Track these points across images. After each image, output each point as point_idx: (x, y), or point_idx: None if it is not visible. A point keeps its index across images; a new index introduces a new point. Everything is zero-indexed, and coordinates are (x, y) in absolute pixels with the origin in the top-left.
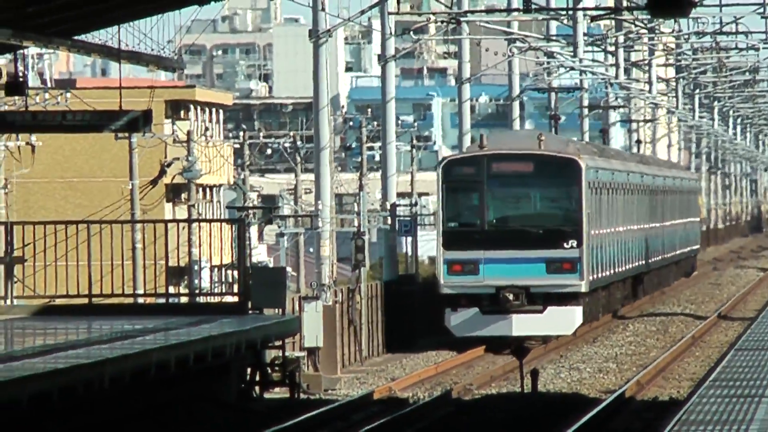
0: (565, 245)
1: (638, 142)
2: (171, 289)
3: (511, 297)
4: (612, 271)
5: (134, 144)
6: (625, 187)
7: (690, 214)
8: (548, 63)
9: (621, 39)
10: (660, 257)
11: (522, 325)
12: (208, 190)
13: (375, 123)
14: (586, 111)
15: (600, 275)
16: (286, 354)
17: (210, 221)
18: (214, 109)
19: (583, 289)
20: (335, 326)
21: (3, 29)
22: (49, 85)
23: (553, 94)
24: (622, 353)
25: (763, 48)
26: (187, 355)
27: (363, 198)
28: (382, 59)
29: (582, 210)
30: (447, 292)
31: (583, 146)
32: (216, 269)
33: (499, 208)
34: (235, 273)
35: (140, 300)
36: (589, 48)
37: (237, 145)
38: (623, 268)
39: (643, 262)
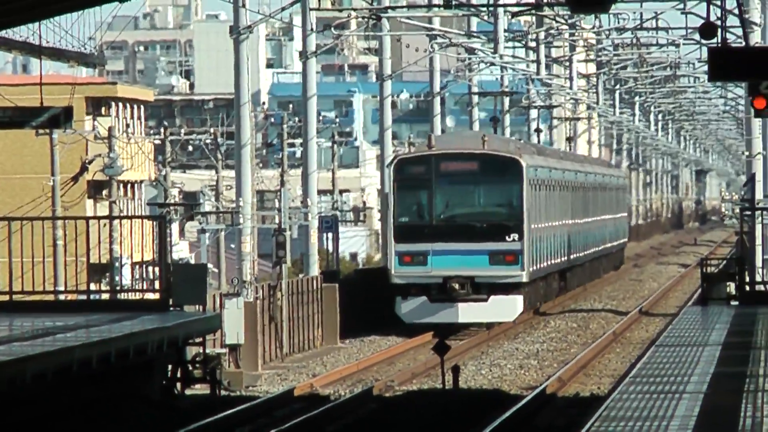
0: (507, 238)
1: (537, 130)
2: (92, 286)
3: (457, 286)
4: (550, 263)
5: (55, 140)
6: (561, 184)
7: (619, 209)
8: (469, 59)
9: (542, 35)
10: (593, 250)
11: (467, 312)
12: (129, 186)
13: (296, 119)
14: (507, 107)
15: (539, 266)
16: (208, 351)
17: (131, 218)
18: (135, 106)
19: (524, 279)
20: (256, 323)
21: None
22: None
23: (490, 95)
24: (543, 349)
25: (684, 44)
26: (108, 352)
27: (284, 194)
28: (303, 55)
29: (523, 205)
30: (398, 281)
31: (523, 146)
32: (137, 266)
33: (447, 204)
34: (157, 270)
35: (62, 297)
36: (510, 44)
37: (158, 142)
38: (560, 260)
39: (579, 254)
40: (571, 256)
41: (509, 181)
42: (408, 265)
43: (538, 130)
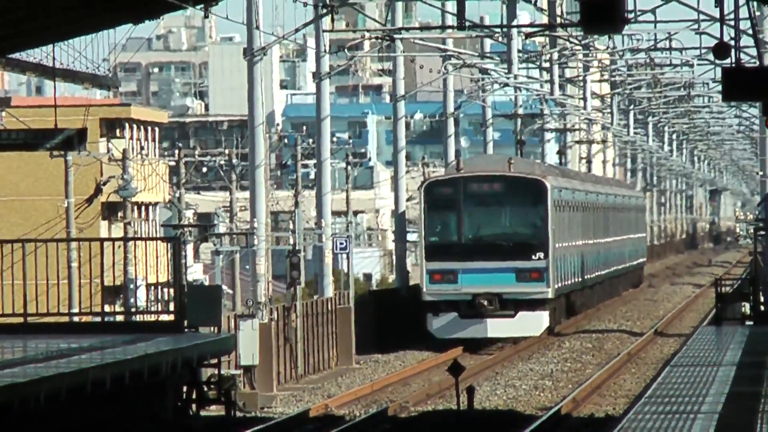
0: (533, 257)
1: (562, 153)
2: (107, 308)
3: (485, 303)
4: (573, 280)
5: (70, 162)
6: (584, 205)
7: (638, 229)
8: (483, 80)
9: (555, 55)
10: (613, 268)
11: (495, 328)
12: (143, 208)
13: (310, 140)
14: (520, 127)
15: (563, 283)
16: (222, 372)
17: (146, 240)
18: (149, 127)
19: (550, 295)
20: (271, 344)
21: None
22: None
23: (511, 118)
24: (557, 370)
25: (698, 64)
26: (122, 373)
27: (298, 216)
28: (317, 77)
29: (548, 225)
30: (429, 299)
31: (547, 168)
32: (152, 287)
33: (475, 224)
34: (171, 291)
35: (76, 318)
36: (524, 65)
37: (172, 163)
38: (583, 278)
39: (600, 272)
40: (593, 274)
41: (535, 202)
42: (438, 283)
43: (560, 153)
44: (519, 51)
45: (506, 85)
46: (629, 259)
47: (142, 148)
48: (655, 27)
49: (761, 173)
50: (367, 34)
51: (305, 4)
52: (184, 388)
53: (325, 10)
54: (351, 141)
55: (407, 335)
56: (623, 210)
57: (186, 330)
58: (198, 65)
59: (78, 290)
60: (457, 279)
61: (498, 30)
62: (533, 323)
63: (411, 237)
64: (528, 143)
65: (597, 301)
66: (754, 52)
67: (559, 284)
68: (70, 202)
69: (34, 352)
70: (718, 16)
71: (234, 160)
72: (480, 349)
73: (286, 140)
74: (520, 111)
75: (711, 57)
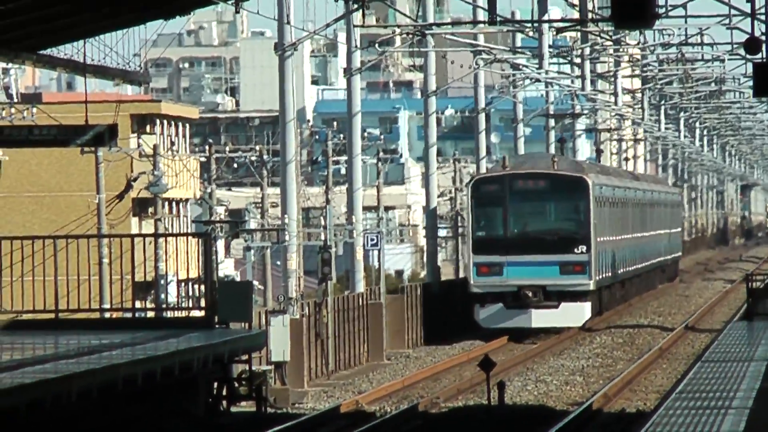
0: (576, 250)
1: (599, 151)
2: (138, 304)
3: (530, 294)
4: (613, 273)
5: (100, 158)
6: (623, 201)
7: (674, 225)
8: (514, 75)
9: (587, 51)
10: (650, 262)
11: (539, 318)
12: (174, 204)
13: (341, 136)
14: (552, 123)
15: (604, 276)
16: (253, 368)
17: (176, 236)
18: (180, 123)
19: (592, 287)
20: (302, 340)
21: None
22: (15, 99)
23: (559, 117)
24: (588, 365)
25: (729, 59)
26: (154, 369)
27: (329, 211)
28: (348, 72)
29: (590, 220)
30: (476, 290)
31: (589, 166)
32: (183, 283)
33: (520, 219)
34: (202, 287)
35: (107, 315)
36: (555, 60)
37: (203, 159)
38: (622, 270)
39: (638, 266)
40: (632, 267)
41: (577, 198)
42: (485, 276)
43: (598, 151)
44: (550, 46)
45: (537, 80)
46: (665, 253)
47: (172, 144)
48: (686, 22)
49: None
50: (398, 30)
51: (336, 0)
52: (215, 385)
53: (355, 6)
54: (382, 137)
55: (454, 327)
56: (660, 205)
57: (217, 326)
58: (229, 61)
59: (109, 286)
60: (503, 271)
61: (529, 25)
62: (576, 314)
63: (441, 233)
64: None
65: (635, 293)
66: None
67: (600, 277)
68: (101, 198)
69: (65, 348)
70: (749, 11)
71: (265, 156)
72: (525, 339)
73: (317, 136)
74: (551, 107)
75: (742, 52)
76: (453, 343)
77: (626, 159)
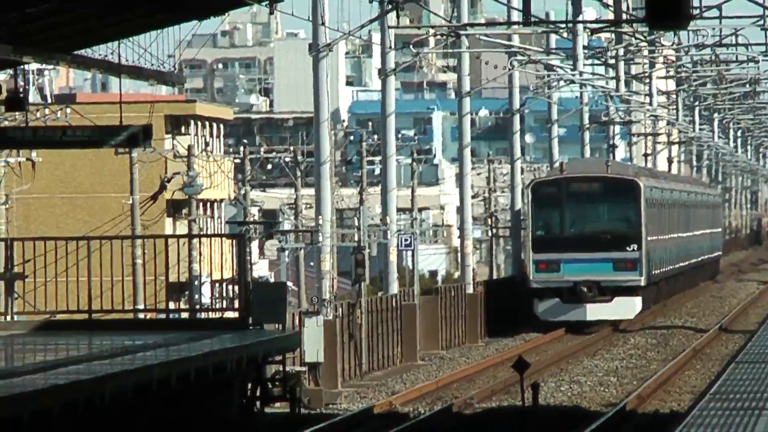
0: (628, 248)
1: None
2: (171, 305)
3: (585, 290)
4: (662, 270)
5: (134, 159)
6: (670, 202)
7: (715, 225)
8: (548, 76)
9: (621, 52)
10: (694, 260)
11: (594, 311)
12: (208, 205)
13: (375, 137)
14: (587, 124)
15: (654, 272)
16: (287, 369)
17: (210, 236)
18: (214, 124)
19: (643, 283)
20: (336, 341)
21: (3, 45)
22: (49, 100)
23: (605, 125)
24: (622, 366)
25: (763, 60)
26: (188, 370)
27: (363, 212)
28: (383, 73)
29: (641, 220)
30: (535, 286)
31: (640, 169)
32: (216, 284)
33: (576, 219)
34: (236, 288)
35: (140, 315)
36: (589, 61)
37: (237, 160)
38: (669, 267)
39: (683, 263)
40: (678, 264)
41: (629, 199)
42: (543, 272)
43: (646, 155)
44: (584, 47)
45: (572, 81)
46: (707, 252)
47: (207, 144)
48: (720, 23)
49: None
50: (432, 30)
51: (371, 0)
52: (249, 385)
53: (390, 6)
54: (416, 137)
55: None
56: (703, 207)
57: (251, 327)
58: (263, 61)
59: (143, 287)
60: (560, 268)
61: (563, 26)
62: (628, 308)
63: (476, 233)
64: (593, 140)
65: (680, 289)
66: None
67: (651, 273)
68: (135, 198)
69: (99, 349)
70: None
71: (299, 157)
72: (582, 331)
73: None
74: (586, 109)
75: None
76: (514, 335)
77: (646, 155)
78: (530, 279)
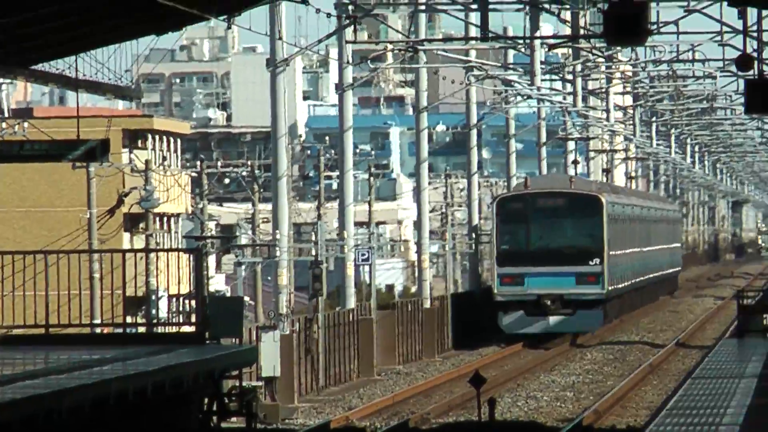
0: (590, 262)
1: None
2: (129, 319)
3: (549, 302)
4: (624, 284)
5: (92, 173)
6: (631, 218)
7: (674, 240)
8: (506, 91)
9: (578, 67)
10: (655, 274)
11: (557, 324)
12: (166, 219)
13: (333, 152)
14: (544, 139)
15: (616, 286)
16: (244, 384)
17: (168, 251)
18: (172, 138)
19: (604, 296)
20: (293, 356)
21: None
22: (6, 114)
23: (571, 140)
24: (579, 381)
25: (720, 76)
26: (145, 385)
27: (321, 227)
28: (340, 88)
29: (604, 235)
30: (500, 299)
31: (602, 185)
32: (174, 299)
33: (540, 234)
34: (193, 302)
35: (98, 330)
36: (547, 76)
37: (195, 175)
38: (631, 282)
39: (643, 277)
40: (639, 279)
41: (592, 215)
42: (508, 285)
43: (607, 171)
44: (542, 62)
45: (529, 96)
46: (667, 266)
47: (164, 159)
48: (677, 39)
49: None
50: (389, 46)
51: (328, 15)
52: (206, 400)
53: (347, 21)
54: (373, 152)
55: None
56: (663, 222)
57: (208, 342)
58: (221, 76)
59: (100, 301)
60: (524, 282)
61: (521, 41)
62: (590, 320)
63: (434, 248)
64: (550, 155)
65: (641, 303)
66: None
67: (612, 287)
68: (92, 213)
69: (56, 363)
70: (741, 27)
71: (256, 172)
72: (542, 344)
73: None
74: (543, 124)
75: (734, 69)
76: (479, 347)
77: (606, 170)
78: (495, 292)
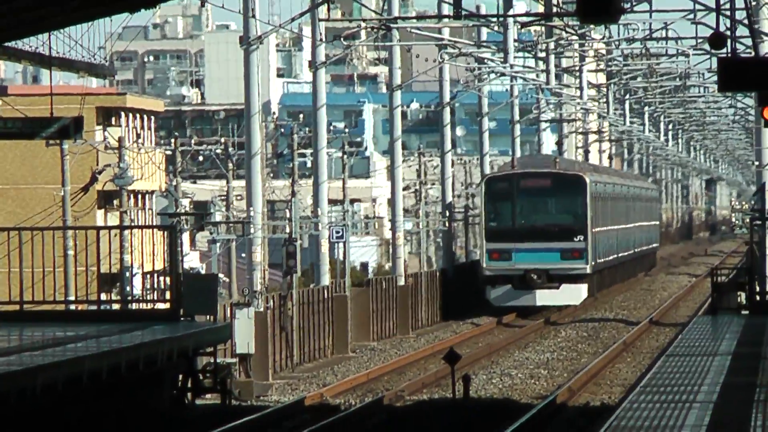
0: (574, 239)
1: (559, 143)
2: (103, 296)
3: (535, 277)
4: (606, 259)
5: (66, 151)
6: (612, 196)
7: (652, 218)
8: (479, 69)
9: (551, 45)
10: (635, 250)
11: (543, 297)
12: (140, 196)
13: (307, 129)
14: (517, 117)
15: (599, 261)
16: (218, 361)
17: (142, 228)
18: (145, 116)
19: (588, 271)
20: (267, 333)
21: None
22: None
23: (553, 122)
24: (553, 359)
25: (693, 54)
26: (119, 362)
27: (295, 204)
28: (313, 66)
29: (587, 213)
30: (488, 273)
31: (585, 165)
32: (148, 276)
33: (527, 212)
34: (167, 280)
35: (72, 307)
36: (520, 54)
37: (169, 152)
38: (614, 257)
39: (624, 253)
40: (620, 254)
41: (576, 193)
42: (496, 261)
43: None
44: (515, 41)
45: (502, 74)
46: (646, 243)
47: (138, 136)
48: (650, 17)
49: (756, 163)
50: (363, 24)
51: None
52: (180, 377)
53: None
54: (347, 130)
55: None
56: (641, 200)
57: (182, 319)
58: (194, 54)
59: (74, 278)
60: (511, 257)
61: (494, 19)
62: (574, 294)
63: (408, 225)
64: (523, 132)
65: (622, 278)
66: (749, 42)
67: (595, 262)
68: (66, 190)
69: (30, 340)
70: (714, 6)
71: (230, 149)
72: (530, 315)
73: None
74: (516, 102)
75: (707, 47)
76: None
77: (585, 152)
78: (483, 267)
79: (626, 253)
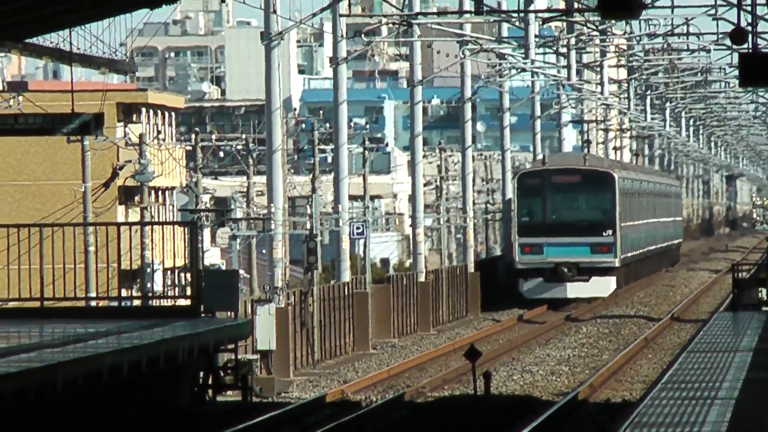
0: (604, 233)
1: (587, 142)
2: (123, 292)
3: (566, 270)
4: (633, 253)
5: (86, 147)
6: (639, 192)
7: (677, 213)
8: (500, 65)
9: (573, 41)
10: (660, 245)
11: (573, 290)
12: (160, 192)
13: (327, 125)
14: (538, 113)
15: (627, 255)
16: (239, 357)
17: (162, 224)
18: (166, 112)
19: (617, 264)
20: (288, 329)
21: None
22: (0, 88)
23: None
24: (574, 355)
25: (714, 49)
26: (139, 358)
27: (315, 200)
28: (334, 62)
29: (616, 208)
30: (520, 267)
31: (614, 162)
32: (168, 272)
33: (557, 207)
34: (188, 276)
35: (92, 303)
36: (541, 50)
37: (189, 148)
38: (640, 251)
39: (651, 248)
40: (647, 248)
41: (605, 189)
42: (528, 254)
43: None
44: (536, 36)
45: (523, 70)
46: (671, 238)
47: (158, 132)
48: (672, 12)
49: None
50: (384, 19)
51: None
52: (201, 374)
53: None
54: (368, 126)
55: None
56: (666, 196)
57: (203, 315)
58: (215, 50)
59: (95, 275)
60: (543, 251)
61: (515, 15)
62: (603, 286)
63: (428, 222)
64: (544, 128)
65: (648, 272)
66: None
67: (624, 255)
68: (87, 186)
69: (51, 337)
70: (735, 1)
71: (251, 145)
72: (561, 307)
73: (303, 125)
74: (537, 97)
75: (728, 42)
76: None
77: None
78: (516, 260)
79: (653, 247)
